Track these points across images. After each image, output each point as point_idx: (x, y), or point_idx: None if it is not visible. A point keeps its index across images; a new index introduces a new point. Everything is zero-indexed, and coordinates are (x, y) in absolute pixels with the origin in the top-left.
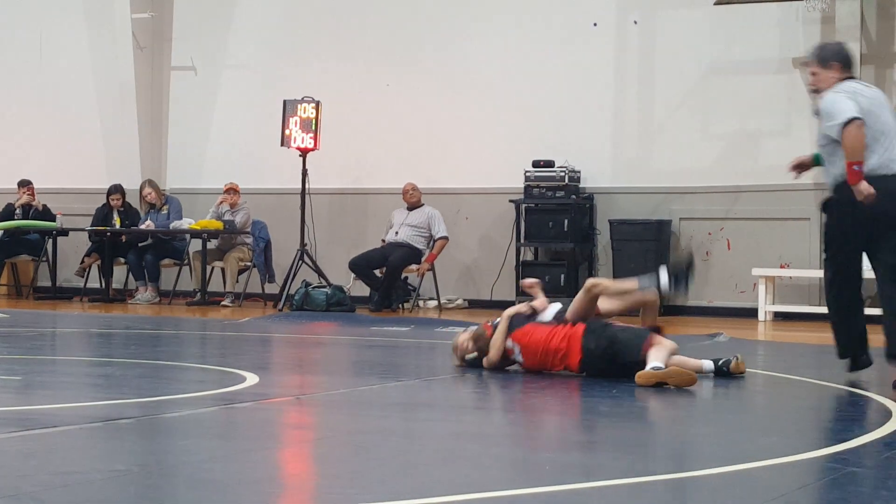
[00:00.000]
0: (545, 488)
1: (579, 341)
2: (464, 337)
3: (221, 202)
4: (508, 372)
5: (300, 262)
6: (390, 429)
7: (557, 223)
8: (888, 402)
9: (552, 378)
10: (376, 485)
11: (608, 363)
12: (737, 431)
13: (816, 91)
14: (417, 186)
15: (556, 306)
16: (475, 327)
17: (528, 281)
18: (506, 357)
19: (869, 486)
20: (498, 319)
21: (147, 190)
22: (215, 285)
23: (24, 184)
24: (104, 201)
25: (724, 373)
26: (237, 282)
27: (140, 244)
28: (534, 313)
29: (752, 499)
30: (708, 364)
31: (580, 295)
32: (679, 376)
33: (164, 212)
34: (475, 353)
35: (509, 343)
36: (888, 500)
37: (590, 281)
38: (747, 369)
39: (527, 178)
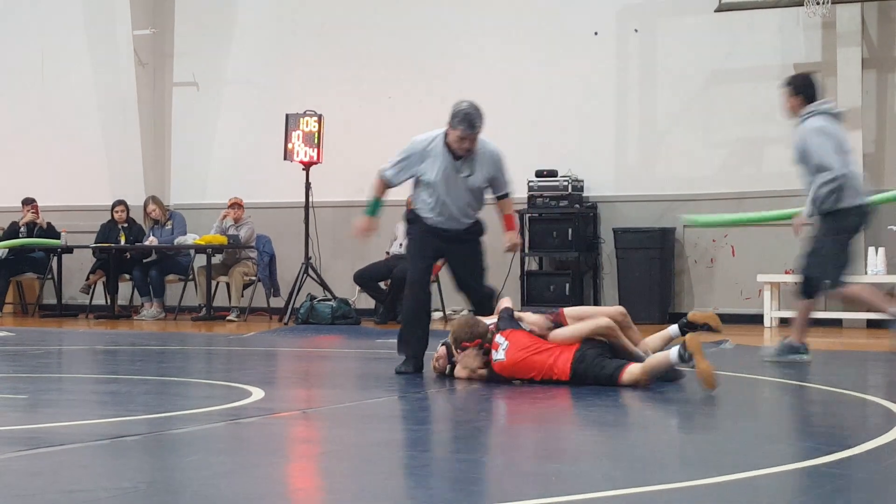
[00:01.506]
0: (552, 499)
1: (569, 363)
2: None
3: (225, 217)
4: (512, 383)
5: (305, 275)
6: (397, 442)
7: (561, 232)
8: (893, 407)
9: (557, 389)
10: (383, 498)
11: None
12: (741, 438)
13: (470, 151)
14: None
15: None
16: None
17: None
18: (485, 355)
19: (875, 493)
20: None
21: (151, 206)
22: (220, 300)
23: (28, 202)
24: (108, 218)
25: (686, 359)
26: (242, 296)
27: (145, 260)
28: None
29: None
30: (673, 355)
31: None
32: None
33: (168, 227)
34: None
35: (499, 338)
36: None
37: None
38: (760, 376)
39: (530, 188)
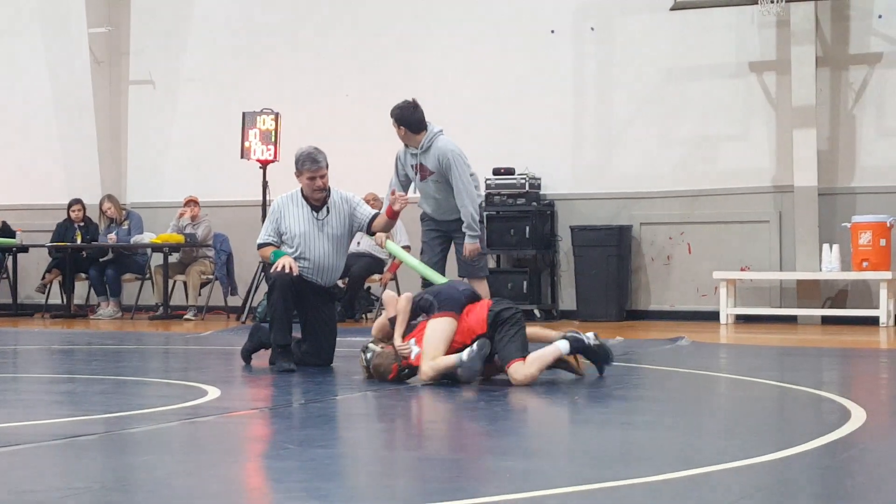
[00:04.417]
0: (506, 496)
1: (484, 321)
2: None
3: (182, 215)
4: (470, 382)
5: (262, 274)
6: (355, 440)
7: (519, 230)
8: (847, 403)
9: (513, 387)
10: (340, 497)
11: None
12: (696, 435)
13: (323, 189)
14: (378, 196)
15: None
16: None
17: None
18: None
19: (827, 488)
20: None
21: (107, 205)
22: (177, 299)
23: None
24: (64, 217)
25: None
26: (199, 295)
27: (101, 259)
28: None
29: (709, 503)
30: (564, 346)
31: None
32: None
33: (125, 227)
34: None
35: (409, 342)
36: (847, 500)
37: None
38: (715, 372)
39: (487, 186)
